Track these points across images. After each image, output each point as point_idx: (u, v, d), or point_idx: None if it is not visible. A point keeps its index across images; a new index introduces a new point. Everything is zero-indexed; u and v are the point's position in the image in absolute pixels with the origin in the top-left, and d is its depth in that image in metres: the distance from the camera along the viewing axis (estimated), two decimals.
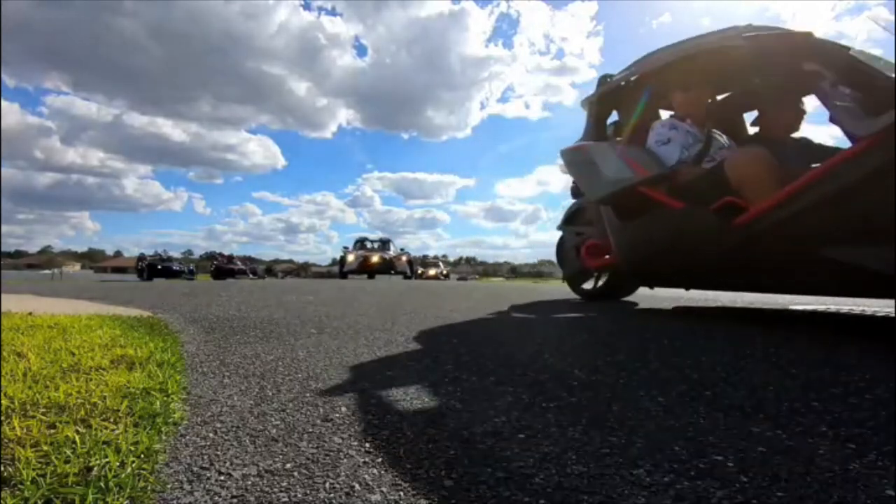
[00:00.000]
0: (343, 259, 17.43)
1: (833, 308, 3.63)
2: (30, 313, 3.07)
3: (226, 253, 25.87)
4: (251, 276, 23.19)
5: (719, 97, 3.29)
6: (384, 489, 0.87)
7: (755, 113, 3.07)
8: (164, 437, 1.08)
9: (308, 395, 1.45)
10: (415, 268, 19.14)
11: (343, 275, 16.83)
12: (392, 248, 19.22)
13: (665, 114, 3.24)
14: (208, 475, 0.92)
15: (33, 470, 0.87)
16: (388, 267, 17.04)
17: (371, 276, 16.68)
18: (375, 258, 16.96)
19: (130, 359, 1.77)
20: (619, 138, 3.19)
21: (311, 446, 1.06)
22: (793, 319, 3.06)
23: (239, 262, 25.24)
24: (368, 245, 19.43)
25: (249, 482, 0.90)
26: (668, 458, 0.99)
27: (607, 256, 3.57)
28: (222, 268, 23.02)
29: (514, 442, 1.09)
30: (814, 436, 1.11)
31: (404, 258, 17.83)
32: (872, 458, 0.99)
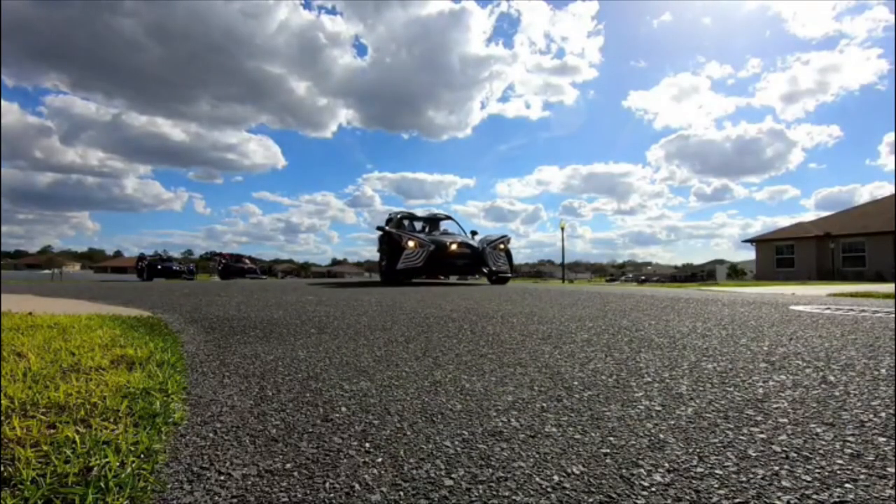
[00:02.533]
0: (392, 247, 9.06)
1: (832, 309, 3.62)
2: (30, 313, 3.08)
3: (226, 252, 24.41)
4: (262, 276, 22.14)
5: None
6: (384, 489, 0.87)
7: None
8: (164, 437, 1.08)
9: (308, 395, 1.45)
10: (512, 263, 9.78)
11: (391, 276, 8.92)
12: (458, 230, 10.79)
13: None
14: (208, 475, 0.92)
15: (33, 470, 0.87)
16: (477, 261, 9.06)
17: (413, 280, 9.33)
18: (455, 246, 8.94)
19: (130, 359, 1.77)
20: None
21: (311, 446, 1.06)
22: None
23: (248, 261, 23.60)
24: (407, 224, 10.66)
25: (249, 482, 0.90)
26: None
27: None
28: (231, 267, 21.49)
29: None
30: None
31: (501, 246, 9.33)
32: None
